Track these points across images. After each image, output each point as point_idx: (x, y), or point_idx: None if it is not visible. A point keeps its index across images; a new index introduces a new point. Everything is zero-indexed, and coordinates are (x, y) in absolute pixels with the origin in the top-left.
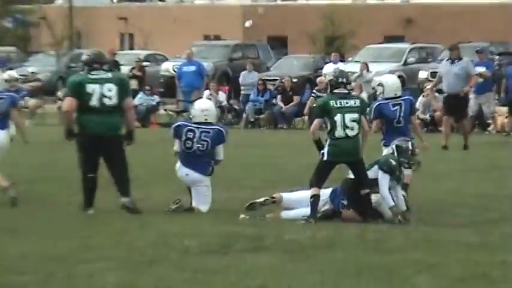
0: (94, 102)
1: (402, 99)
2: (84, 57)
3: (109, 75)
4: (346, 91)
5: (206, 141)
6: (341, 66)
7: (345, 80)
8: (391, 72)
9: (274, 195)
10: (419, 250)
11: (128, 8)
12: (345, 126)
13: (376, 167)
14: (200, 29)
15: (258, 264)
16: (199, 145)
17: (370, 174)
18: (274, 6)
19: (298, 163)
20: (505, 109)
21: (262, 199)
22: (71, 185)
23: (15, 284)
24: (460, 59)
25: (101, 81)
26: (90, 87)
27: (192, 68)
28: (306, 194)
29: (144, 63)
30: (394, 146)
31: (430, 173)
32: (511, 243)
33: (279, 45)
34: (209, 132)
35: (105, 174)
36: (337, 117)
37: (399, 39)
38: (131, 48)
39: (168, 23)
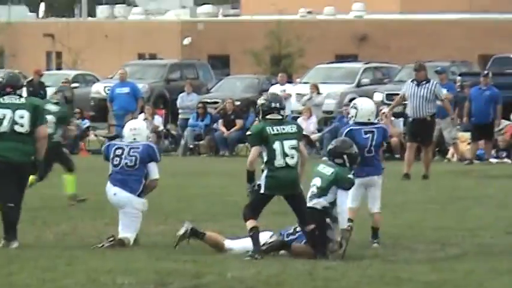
0: (4, 128)
1: (375, 127)
2: None
3: (22, 100)
4: (280, 117)
5: (135, 156)
6: (288, 87)
7: (278, 105)
8: (343, 94)
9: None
10: None
11: (55, 25)
12: (284, 155)
13: (332, 189)
14: (134, 47)
15: None
16: (127, 160)
17: (328, 197)
18: (215, 22)
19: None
20: (467, 135)
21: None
22: None
23: None
24: (427, 81)
25: (13, 107)
26: (1, 112)
27: (126, 90)
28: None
29: (73, 85)
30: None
31: (388, 204)
32: (472, 282)
33: (221, 64)
34: (138, 148)
35: (31, 207)
36: (276, 145)
37: (352, 58)
38: (59, 68)
39: (99, 40)
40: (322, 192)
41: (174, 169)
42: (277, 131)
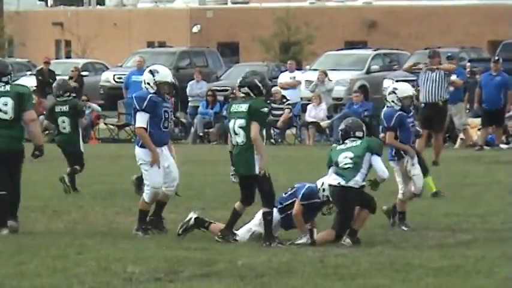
0: None
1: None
2: None
3: (7, 88)
4: (241, 94)
5: None
6: (298, 74)
7: (239, 82)
8: (353, 81)
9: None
10: (384, 275)
11: (64, 13)
12: (234, 133)
13: (366, 158)
14: (143, 35)
15: None
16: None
17: (362, 171)
18: (225, 9)
19: None
20: (477, 121)
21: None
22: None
23: None
24: None
25: None
26: None
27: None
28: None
29: (82, 73)
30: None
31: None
32: (483, 268)
33: (230, 52)
34: None
35: (41, 196)
36: (230, 124)
37: (361, 44)
38: (68, 57)
39: (108, 28)
40: (357, 161)
41: (184, 157)
42: (234, 109)
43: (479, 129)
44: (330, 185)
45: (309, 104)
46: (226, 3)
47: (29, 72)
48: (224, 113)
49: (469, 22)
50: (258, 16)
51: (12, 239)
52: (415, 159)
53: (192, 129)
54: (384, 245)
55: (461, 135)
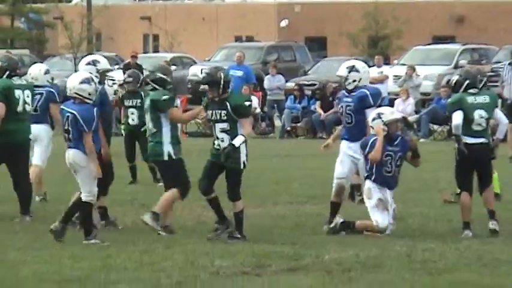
0: (20, 107)
1: None
2: None
3: (23, 81)
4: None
5: None
6: (386, 69)
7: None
8: (441, 76)
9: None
10: (471, 270)
11: (152, 7)
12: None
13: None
14: (231, 29)
15: (296, 287)
16: None
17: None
18: (312, 4)
19: None
20: None
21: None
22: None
23: None
24: None
25: (22, 87)
26: (16, 93)
27: (240, 73)
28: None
29: (172, 67)
30: None
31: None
32: None
33: (318, 46)
34: None
35: (128, 190)
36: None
37: (450, 39)
38: (155, 51)
39: (196, 23)
40: (490, 115)
41: (271, 151)
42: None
43: None
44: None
45: (396, 98)
46: None
47: (116, 66)
48: (312, 107)
49: None
50: (346, 10)
51: (101, 233)
52: None
53: (279, 123)
54: (471, 240)
55: None
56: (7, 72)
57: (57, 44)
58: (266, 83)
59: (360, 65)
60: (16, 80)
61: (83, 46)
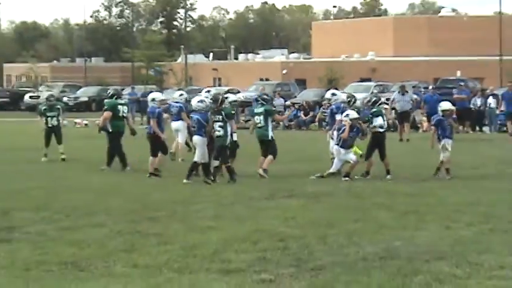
0: (124, 113)
1: None
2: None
3: (123, 101)
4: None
5: None
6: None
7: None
8: (365, 98)
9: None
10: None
11: (220, 64)
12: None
13: None
14: (257, 74)
15: (291, 205)
16: None
17: None
18: (298, 62)
19: None
20: None
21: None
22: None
23: (154, 217)
24: None
25: (124, 105)
26: (121, 109)
27: None
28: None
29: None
30: None
31: None
32: None
33: (302, 83)
34: None
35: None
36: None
37: (367, 80)
38: (219, 85)
39: (239, 71)
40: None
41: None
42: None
43: None
44: None
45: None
46: None
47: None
48: (298, 114)
49: None
50: (317, 67)
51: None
52: None
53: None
54: None
55: None
56: (115, 96)
57: (169, 83)
58: (275, 103)
59: (336, 92)
60: (119, 100)
61: (182, 83)
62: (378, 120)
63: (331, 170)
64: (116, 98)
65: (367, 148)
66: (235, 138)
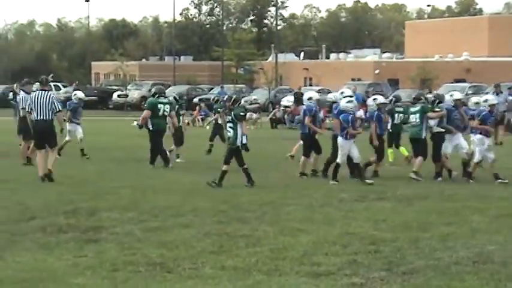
0: (165, 112)
1: None
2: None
3: (166, 100)
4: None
5: None
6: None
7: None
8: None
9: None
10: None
11: (311, 63)
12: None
13: None
14: (350, 75)
15: (382, 207)
16: None
17: None
18: (390, 62)
19: None
20: None
21: None
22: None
23: (244, 218)
24: None
25: (164, 103)
26: (162, 107)
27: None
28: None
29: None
30: None
31: None
32: None
33: (394, 83)
34: None
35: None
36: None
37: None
38: (310, 85)
39: (330, 70)
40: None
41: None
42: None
43: None
44: None
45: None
46: None
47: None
48: None
49: None
50: (407, 65)
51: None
52: None
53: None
54: None
55: None
56: (156, 95)
57: (259, 81)
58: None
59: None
60: (161, 99)
61: (273, 83)
62: (431, 121)
63: (475, 160)
64: (158, 97)
65: (433, 151)
66: (244, 141)
